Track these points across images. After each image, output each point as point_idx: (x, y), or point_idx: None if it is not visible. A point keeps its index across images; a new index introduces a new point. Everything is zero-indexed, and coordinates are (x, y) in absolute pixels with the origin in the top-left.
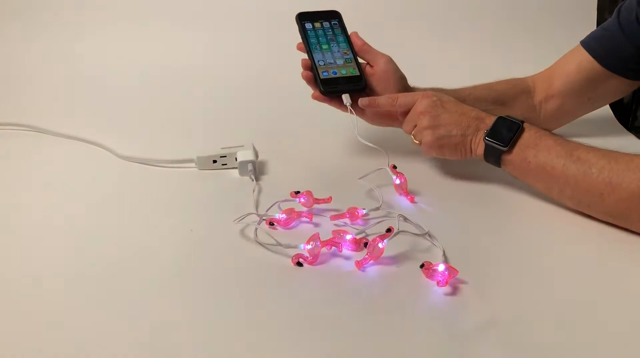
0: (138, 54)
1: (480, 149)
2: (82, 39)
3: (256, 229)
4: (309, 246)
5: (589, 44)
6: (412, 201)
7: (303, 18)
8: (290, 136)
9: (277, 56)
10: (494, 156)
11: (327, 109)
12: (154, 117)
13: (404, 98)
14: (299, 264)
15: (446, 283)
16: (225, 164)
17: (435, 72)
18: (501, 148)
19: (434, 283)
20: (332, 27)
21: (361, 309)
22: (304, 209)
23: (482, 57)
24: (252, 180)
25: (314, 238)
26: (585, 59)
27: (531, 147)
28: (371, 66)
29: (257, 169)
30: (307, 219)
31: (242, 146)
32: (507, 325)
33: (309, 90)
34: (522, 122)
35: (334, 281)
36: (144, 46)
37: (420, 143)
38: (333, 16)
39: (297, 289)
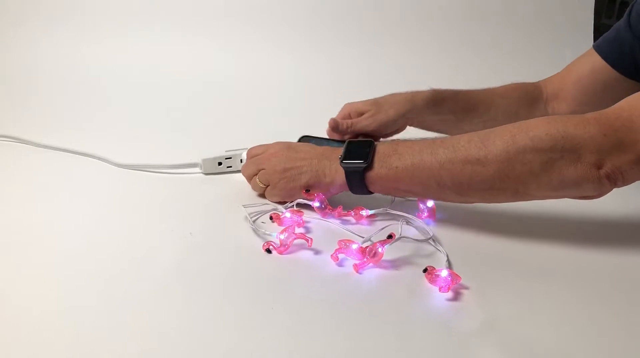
0: (131, 61)
1: (339, 176)
2: (73, 47)
3: (253, 220)
4: (282, 236)
5: (601, 47)
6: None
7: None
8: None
9: (279, 59)
10: (356, 178)
11: (331, 112)
12: (151, 127)
13: (253, 148)
14: (268, 251)
15: (449, 289)
16: (230, 166)
17: (434, 79)
18: (361, 164)
19: (437, 288)
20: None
21: (360, 312)
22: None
23: (479, 62)
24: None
25: (288, 229)
26: (598, 63)
27: (391, 155)
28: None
29: None
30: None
31: (247, 148)
32: (508, 331)
33: (311, 93)
34: (372, 140)
35: (333, 283)
36: (138, 52)
37: (266, 186)
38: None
39: (295, 292)
